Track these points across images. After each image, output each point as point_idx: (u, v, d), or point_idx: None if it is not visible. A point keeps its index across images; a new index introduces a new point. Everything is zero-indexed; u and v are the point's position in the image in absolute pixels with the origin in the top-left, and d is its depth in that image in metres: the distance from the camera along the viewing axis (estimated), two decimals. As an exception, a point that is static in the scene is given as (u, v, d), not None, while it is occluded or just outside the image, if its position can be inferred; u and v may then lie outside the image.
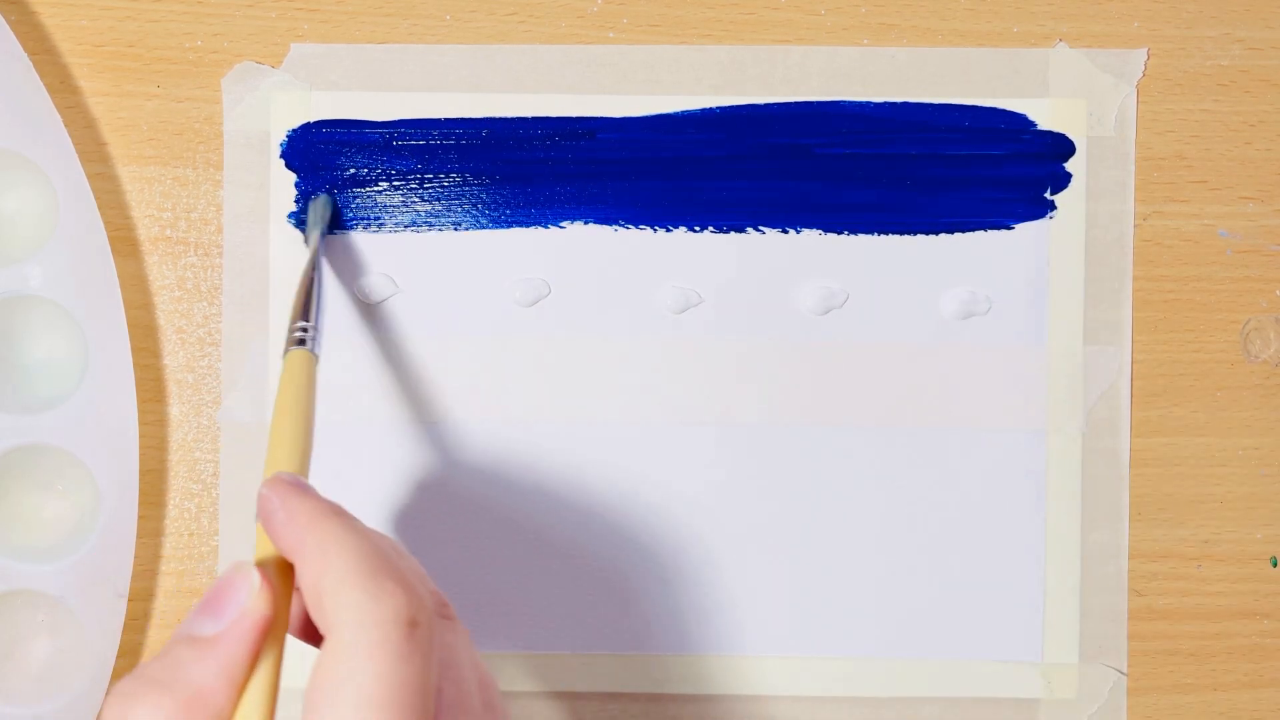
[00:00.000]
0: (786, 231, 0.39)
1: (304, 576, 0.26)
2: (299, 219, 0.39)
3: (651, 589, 0.39)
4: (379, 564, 0.26)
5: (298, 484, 0.28)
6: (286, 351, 0.33)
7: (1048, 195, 0.39)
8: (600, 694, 0.39)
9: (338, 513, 0.27)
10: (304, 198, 0.39)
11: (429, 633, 0.25)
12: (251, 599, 0.26)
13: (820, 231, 0.39)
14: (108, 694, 0.26)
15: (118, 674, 0.39)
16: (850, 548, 0.39)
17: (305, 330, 0.33)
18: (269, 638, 0.26)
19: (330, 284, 0.39)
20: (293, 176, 0.39)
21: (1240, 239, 0.40)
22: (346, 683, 0.24)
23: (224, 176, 0.39)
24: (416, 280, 0.39)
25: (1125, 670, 0.39)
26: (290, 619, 0.28)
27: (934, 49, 0.39)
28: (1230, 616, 0.40)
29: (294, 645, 0.28)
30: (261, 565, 0.27)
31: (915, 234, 0.39)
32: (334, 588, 0.25)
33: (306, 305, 0.34)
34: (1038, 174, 0.39)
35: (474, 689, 0.27)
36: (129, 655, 0.39)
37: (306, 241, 0.38)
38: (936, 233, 0.39)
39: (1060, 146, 0.39)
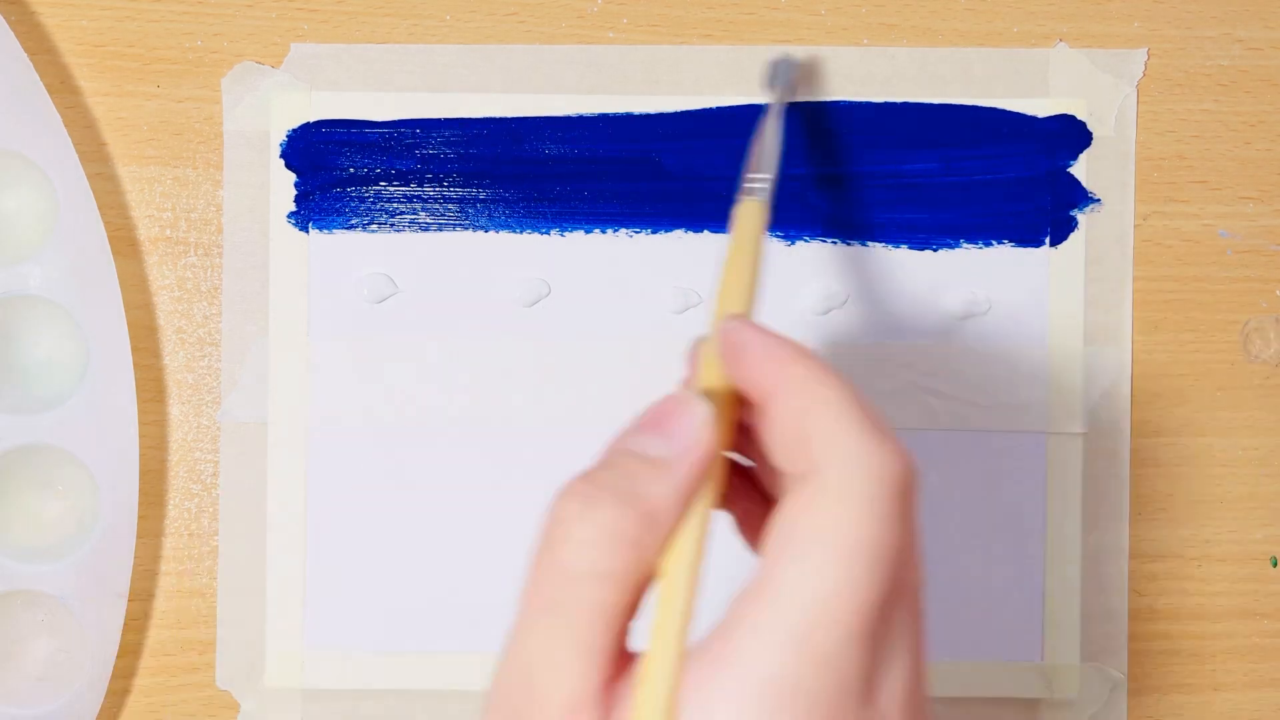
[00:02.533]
0: (792, 243, 0.39)
1: (782, 412, 0.24)
2: (770, 78, 0.38)
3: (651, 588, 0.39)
4: (875, 417, 0.24)
5: (763, 326, 0.26)
6: (740, 201, 0.32)
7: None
8: (600, 694, 0.39)
9: (816, 355, 0.25)
10: (300, 221, 0.39)
11: (916, 505, 0.24)
12: (703, 426, 0.24)
13: (821, 240, 0.39)
14: (560, 493, 0.25)
15: (118, 674, 0.39)
16: (850, 548, 0.39)
17: (763, 182, 0.32)
18: (708, 476, 0.25)
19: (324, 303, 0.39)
20: (293, 176, 0.39)
21: (1240, 239, 0.40)
22: (832, 527, 0.22)
23: (224, 176, 0.39)
24: (416, 280, 0.39)
25: (1125, 671, 0.39)
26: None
27: (934, 49, 0.39)
28: (1230, 616, 0.40)
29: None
30: (708, 394, 0.25)
31: (920, 249, 0.39)
32: (827, 428, 0.23)
33: (764, 158, 0.34)
34: (1043, 174, 0.39)
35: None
36: (129, 655, 0.39)
37: (772, 97, 0.37)
38: (939, 250, 0.39)
39: (1071, 139, 0.39)
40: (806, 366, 0.25)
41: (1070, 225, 0.39)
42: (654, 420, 0.25)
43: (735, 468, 0.28)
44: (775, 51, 0.38)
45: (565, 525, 0.24)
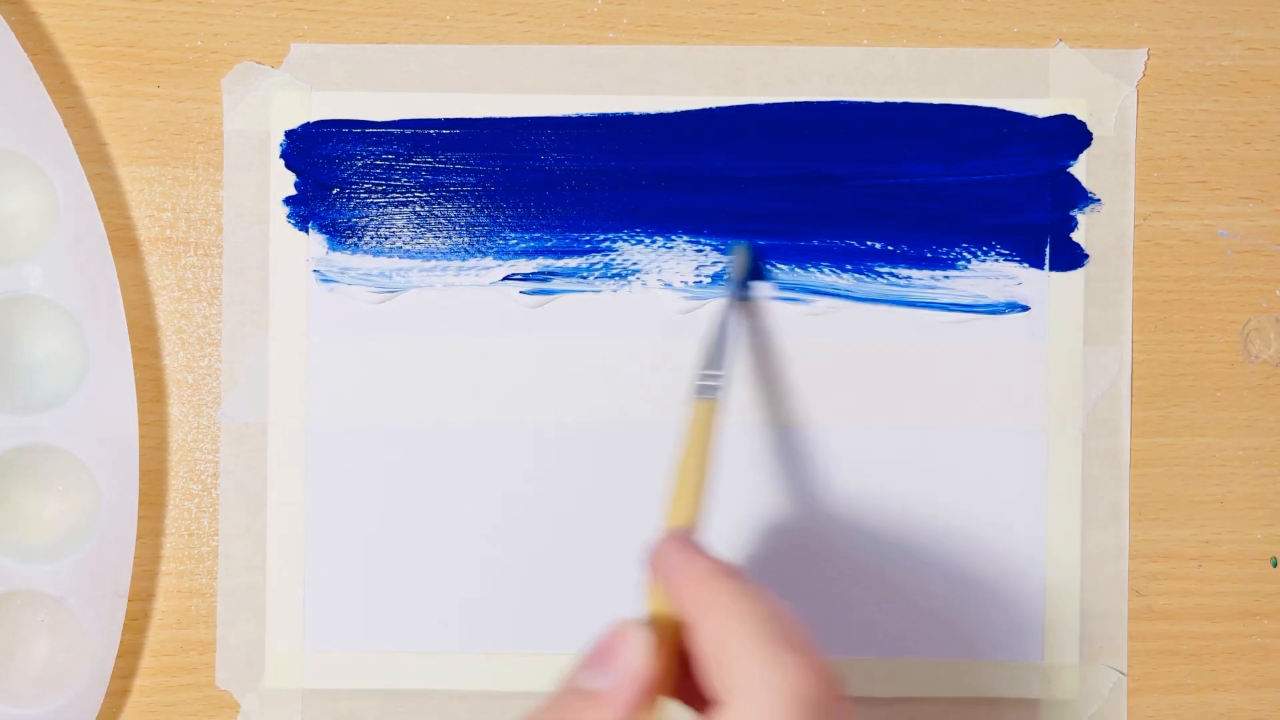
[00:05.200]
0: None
1: (702, 636, 0.26)
2: (730, 271, 0.38)
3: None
4: (784, 631, 0.25)
5: (694, 540, 0.28)
6: (694, 399, 0.33)
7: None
8: (600, 694, 0.39)
9: (735, 572, 0.27)
10: (300, 221, 0.39)
11: (827, 713, 0.25)
12: (641, 657, 0.26)
13: (821, 241, 0.39)
14: None
15: (118, 674, 0.39)
16: (850, 548, 0.39)
17: (716, 379, 0.33)
18: (652, 695, 0.26)
19: (324, 305, 0.39)
20: (293, 176, 0.39)
21: (1240, 239, 0.40)
22: None
23: (224, 176, 0.39)
24: (416, 280, 0.39)
25: (1125, 670, 0.39)
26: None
27: (934, 49, 0.39)
28: (1230, 616, 0.40)
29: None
30: (652, 622, 0.27)
31: (920, 251, 0.39)
32: (736, 652, 0.25)
33: (719, 355, 0.34)
34: (1046, 175, 0.39)
35: None
36: (129, 655, 0.39)
37: (730, 287, 0.38)
38: (938, 250, 0.39)
39: (1071, 139, 0.39)
40: (722, 588, 0.26)
41: (1070, 225, 0.39)
42: (597, 653, 0.26)
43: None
44: (736, 246, 0.39)
45: None
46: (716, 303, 0.38)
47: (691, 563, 0.27)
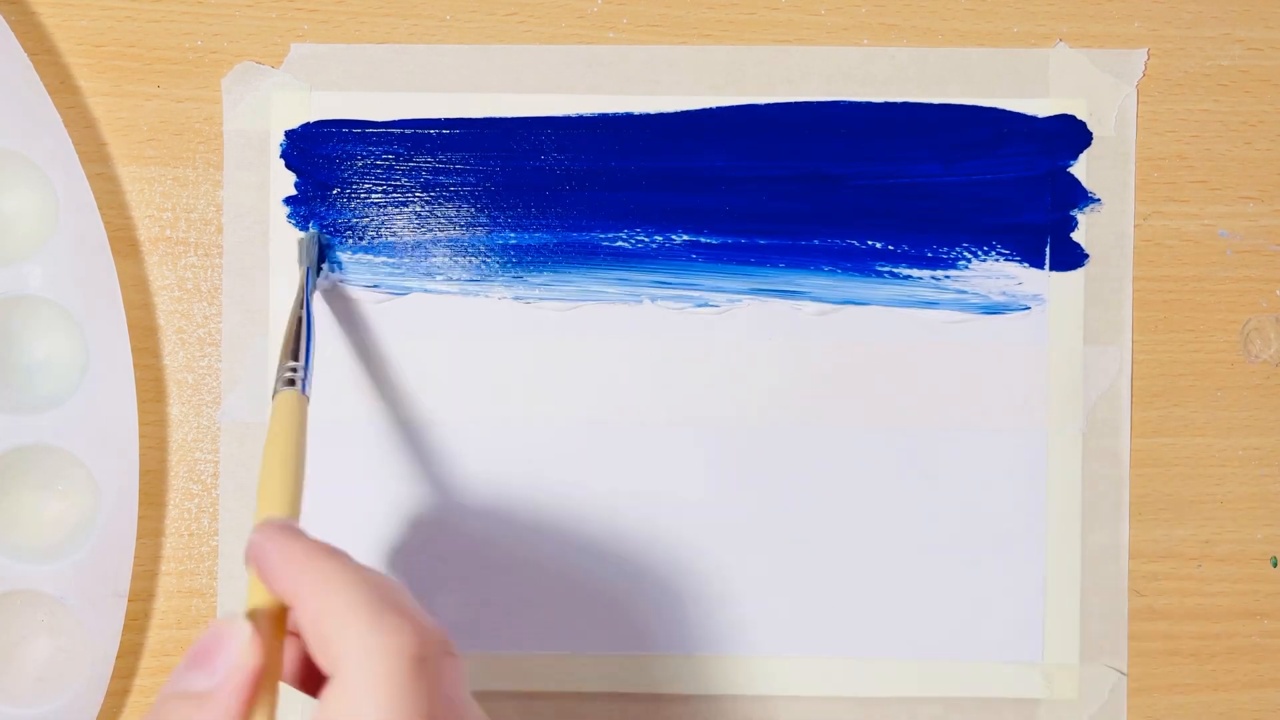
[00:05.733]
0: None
1: (303, 616, 0.26)
2: (301, 256, 0.39)
3: (651, 589, 0.39)
4: (382, 597, 0.25)
5: (289, 527, 0.28)
6: (276, 392, 0.32)
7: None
8: (600, 694, 0.39)
9: (333, 551, 0.27)
10: (301, 221, 0.39)
11: (435, 667, 0.25)
12: (243, 651, 0.26)
13: (820, 242, 0.39)
14: None
15: (118, 674, 0.39)
16: (850, 548, 0.39)
17: (295, 371, 0.33)
18: (262, 688, 0.26)
19: (321, 307, 0.39)
20: (293, 176, 0.39)
21: (1240, 239, 0.40)
22: (354, 718, 0.24)
23: (224, 176, 0.39)
24: (416, 279, 0.39)
25: (1125, 670, 0.39)
26: (284, 665, 0.28)
27: (934, 49, 0.39)
28: (1230, 616, 0.40)
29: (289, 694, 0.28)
30: (251, 615, 0.27)
31: (920, 251, 0.39)
32: (337, 624, 0.25)
33: (296, 345, 0.34)
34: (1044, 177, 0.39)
35: None
36: (129, 655, 0.39)
37: (302, 280, 0.38)
38: (938, 251, 0.39)
39: (1071, 139, 0.39)
40: (318, 567, 0.26)
41: (1070, 225, 0.39)
42: (197, 654, 0.26)
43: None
44: (301, 233, 0.39)
45: None
46: (294, 293, 0.37)
47: (287, 547, 0.27)
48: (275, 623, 0.27)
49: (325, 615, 0.25)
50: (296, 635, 0.29)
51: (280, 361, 0.33)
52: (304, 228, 0.39)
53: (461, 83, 0.39)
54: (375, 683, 0.24)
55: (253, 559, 0.27)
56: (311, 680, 0.29)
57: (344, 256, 0.39)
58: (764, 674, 0.39)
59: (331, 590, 0.25)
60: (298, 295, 0.36)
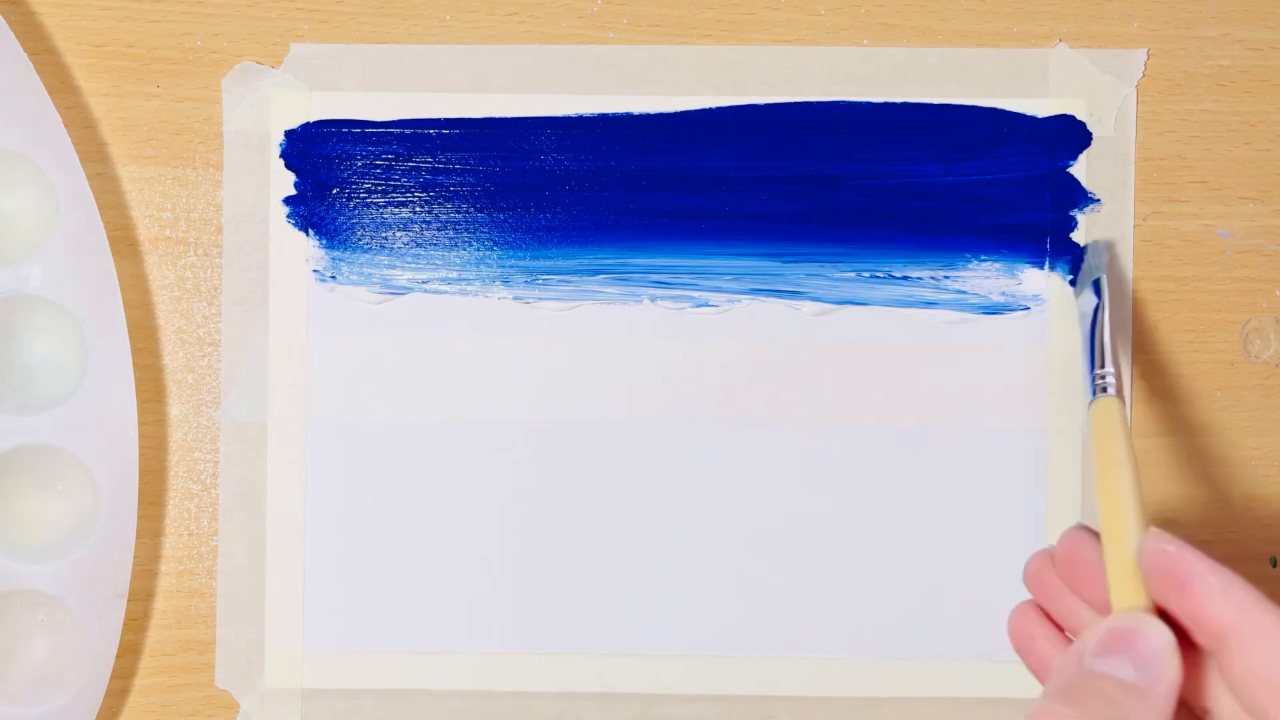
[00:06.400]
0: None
1: (1251, 658, 0.24)
2: (1074, 265, 0.38)
3: (649, 588, 0.39)
4: None
5: (1199, 554, 0.26)
6: (1093, 400, 0.33)
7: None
8: (600, 694, 0.39)
9: (1269, 600, 0.25)
10: (301, 221, 0.39)
11: None
12: (1172, 656, 0.25)
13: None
14: (1033, 712, 0.25)
15: (118, 674, 0.39)
16: (850, 548, 0.39)
17: (1105, 377, 0.33)
18: None
19: (321, 307, 0.39)
20: (293, 176, 0.39)
21: (1240, 239, 0.40)
22: None
23: (224, 176, 0.39)
24: (416, 280, 0.39)
25: (1125, 670, 0.39)
26: None
27: (934, 49, 0.39)
28: (1230, 617, 0.40)
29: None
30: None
31: (920, 251, 0.39)
32: None
33: (1104, 352, 0.34)
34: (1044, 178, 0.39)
35: None
36: (129, 655, 0.39)
37: (1081, 286, 0.38)
38: (937, 250, 0.39)
39: (1071, 139, 0.39)
40: (1273, 613, 0.25)
41: (1070, 225, 0.39)
42: (1117, 640, 0.25)
43: None
44: (1090, 239, 0.39)
45: None
46: (1085, 302, 0.37)
47: (1225, 576, 0.25)
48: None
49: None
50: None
51: (1094, 369, 0.34)
52: (303, 228, 0.39)
53: (461, 83, 0.39)
54: None
55: (1168, 571, 0.26)
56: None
57: (343, 256, 0.39)
58: (763, 674, 0.39)
59: None
60: (1102, 302, 0.36)
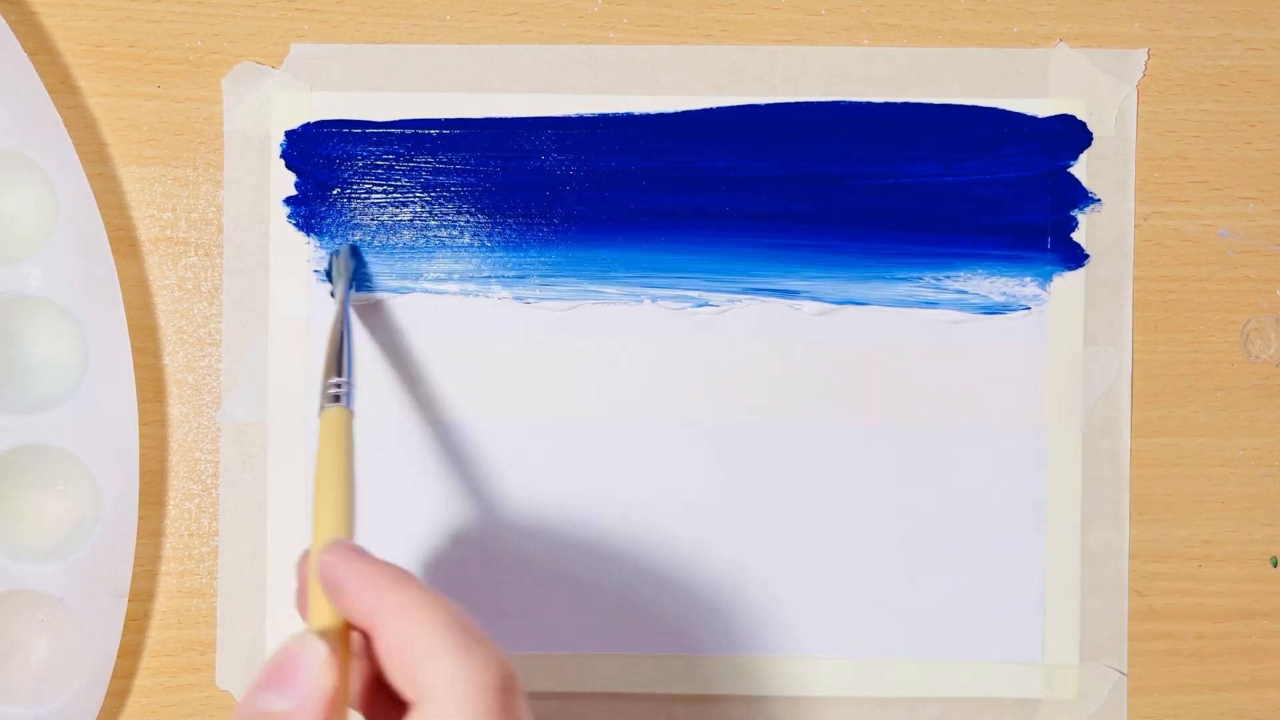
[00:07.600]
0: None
1: (385, 642, 0.26)
2: (325, 273, 0.39)
3: (649, 589, 0.39)
4: (464, 627, 0.26)
5: (358, 549, 0.28)
6: (322, 409, 0.32)
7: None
8: (600, 694, 0.39)
9: (408, 576, 0.27)
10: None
11: (516, 698, 0.25)
12: (320, 672, 0.26)
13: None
14: None
15: (118, 674, 0.39)
16: (850, 548, 0.39)
17: (340, 386, 0.33)
18: (335, 709, 0.26)
19: (318, 307, 0.39)
20: (293, 176, 0.39)
21: (1240, 239, 0.40)
22: None
23: (224, 176, 0.39)
24: (416, 280, 0.39)
25: (1125, 670, 0.39)
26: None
27: (934, 49, 0.39)
28: (1230, 616, 0.40)
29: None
30: (322, 635, 0.27)
31: (919, 251, 0.39)
32: (425, 652, 0.25)
33: (339, 361, 0.33)
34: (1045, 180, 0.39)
35: None
36: (129, 655, 0.39)
37: (333, 294, 0.38)
38: (937, 251, 0.39)
39: (1071, 139, 0.39)
40: (401, 594, 0.26)
41: (1070, 225, 0.39)
42: (274, 672, 0.26)
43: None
44: (336, 246, 0.39)
45: None
46: (332, 308, 0.37)
47: (365, 571, 0.27)
48: (343, 643, 0.27)
49: (411, 643, 0.25)
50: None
51: (324, 378, 0.33)
52: (304, 228, 0.39)
53: (461, 83, 0.39)
54: (465, 714, 0.24)
55: (328, 581, 0.27)
56: (375, 704, 0.29)
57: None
58: (764, 674, 0.39)
59: (417, 619, 0.26)
60: (337, 310, 0.36)
